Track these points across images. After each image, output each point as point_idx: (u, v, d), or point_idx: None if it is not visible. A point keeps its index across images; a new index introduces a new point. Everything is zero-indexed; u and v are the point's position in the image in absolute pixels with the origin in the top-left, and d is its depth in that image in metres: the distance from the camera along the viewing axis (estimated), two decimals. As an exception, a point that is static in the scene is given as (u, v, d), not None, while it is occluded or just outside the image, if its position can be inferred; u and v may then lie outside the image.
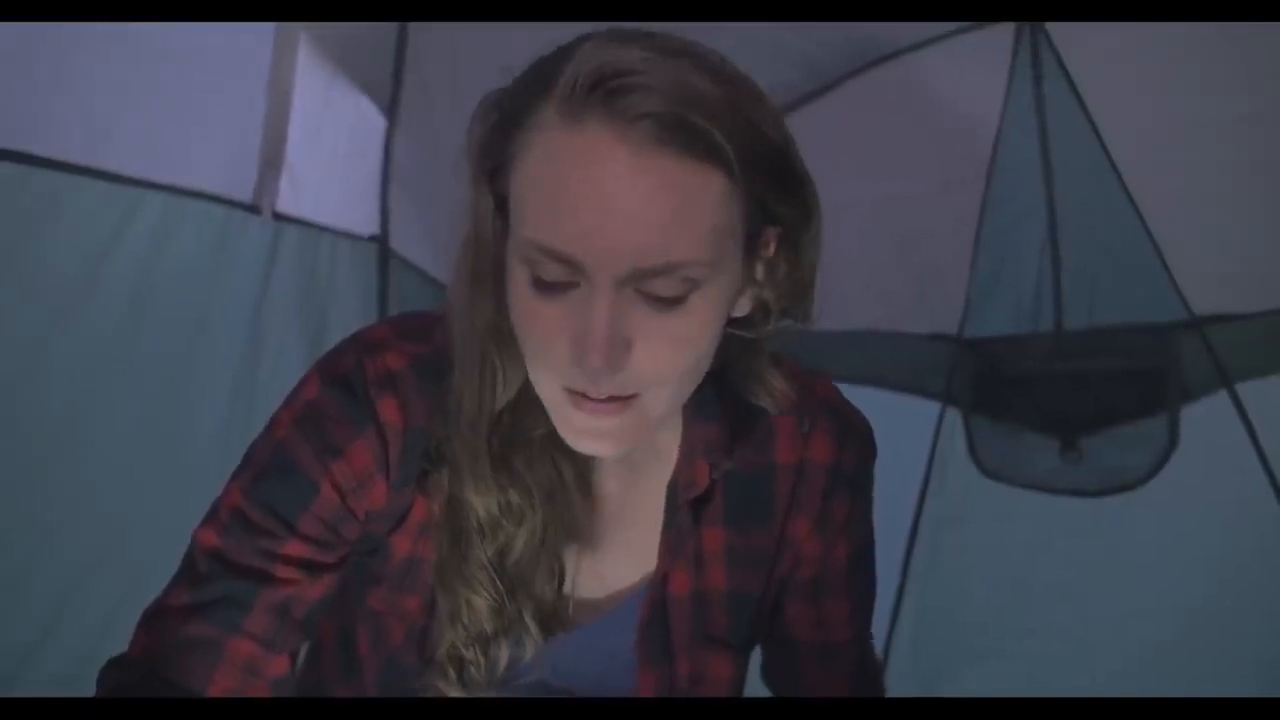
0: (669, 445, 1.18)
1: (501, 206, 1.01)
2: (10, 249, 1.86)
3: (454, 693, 1.14)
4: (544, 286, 0.96)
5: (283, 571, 1.11)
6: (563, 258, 0.94)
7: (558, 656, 1.17)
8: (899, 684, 2.94)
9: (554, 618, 1.15)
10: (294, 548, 1.11)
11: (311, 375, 1.15)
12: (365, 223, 2.32)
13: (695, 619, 1.21)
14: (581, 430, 1.02)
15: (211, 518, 1.14)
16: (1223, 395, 2.76)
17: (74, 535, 1.98)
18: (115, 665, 1.13)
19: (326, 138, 2.21)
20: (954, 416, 2.97)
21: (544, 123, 0.95)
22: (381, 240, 2.33)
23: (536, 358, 1.01)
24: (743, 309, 1.06)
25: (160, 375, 2.04)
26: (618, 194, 0.92)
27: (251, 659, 1.11)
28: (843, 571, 1.28)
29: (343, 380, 1.12)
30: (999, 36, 2.58)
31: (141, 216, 1.98)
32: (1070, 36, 2.54)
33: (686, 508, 1.18)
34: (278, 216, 2.15)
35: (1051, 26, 2.55)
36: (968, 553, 2.93)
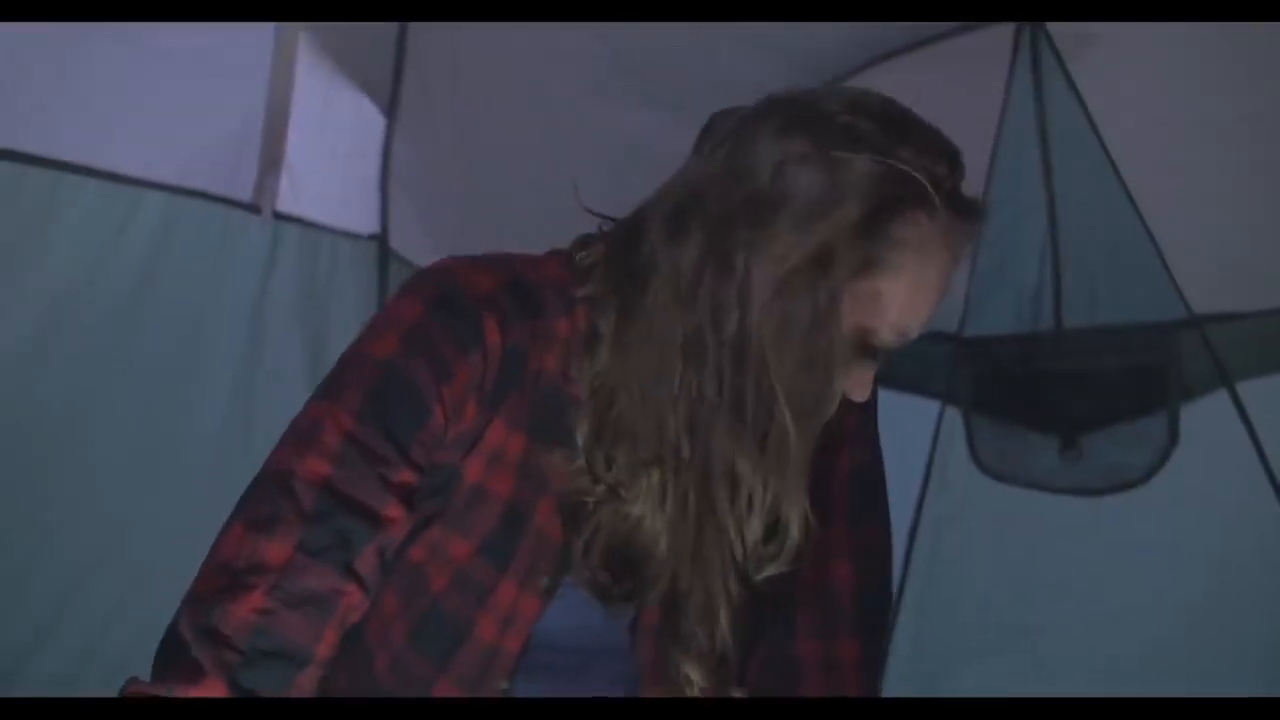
0: None
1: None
2: (10, 248, 1.86)
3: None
4: (864, 354, 1.09)
5: (391, 507, 1.07)
6: (905, 332, 1.09)
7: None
8: (899, 684, 2.94)
9: None
10: (405, 475, 1.08)
11: (408, 296, 1.12)
12: (365, 222, 2.32)
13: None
14: None
15: (312, 444, 1.06)
16: (1222, 394, 2.76)
17: (74, 535, 1.98)
18: (207, 637, 1.01)
19: (326, 137, 2.22)
20: (954, 415, 2.97)
21: (928, 231, 1.06)
22: (381, 239, 2.33)
23: None
24: None
25: (160, 375, 2.04)
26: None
27: (350, 609, 1.07)
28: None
29: (445, 300, 1.10)
30: (999, 36, 2.58)
31: (141, 216, 1.98)
32: (1070, 36, 2.54)
33: None
34: (278, 216, 2.16)
35: (1052, 26, 2.55)
36: (968, 551, 2.93)
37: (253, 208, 2.12)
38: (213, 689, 1.00)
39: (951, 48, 2.52)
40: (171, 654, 1.02)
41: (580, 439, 1.12)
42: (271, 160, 2.13)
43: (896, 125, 1.08)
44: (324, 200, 2.24)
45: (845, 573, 1.27)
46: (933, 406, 2.98)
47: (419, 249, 2.36)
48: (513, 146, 2.41)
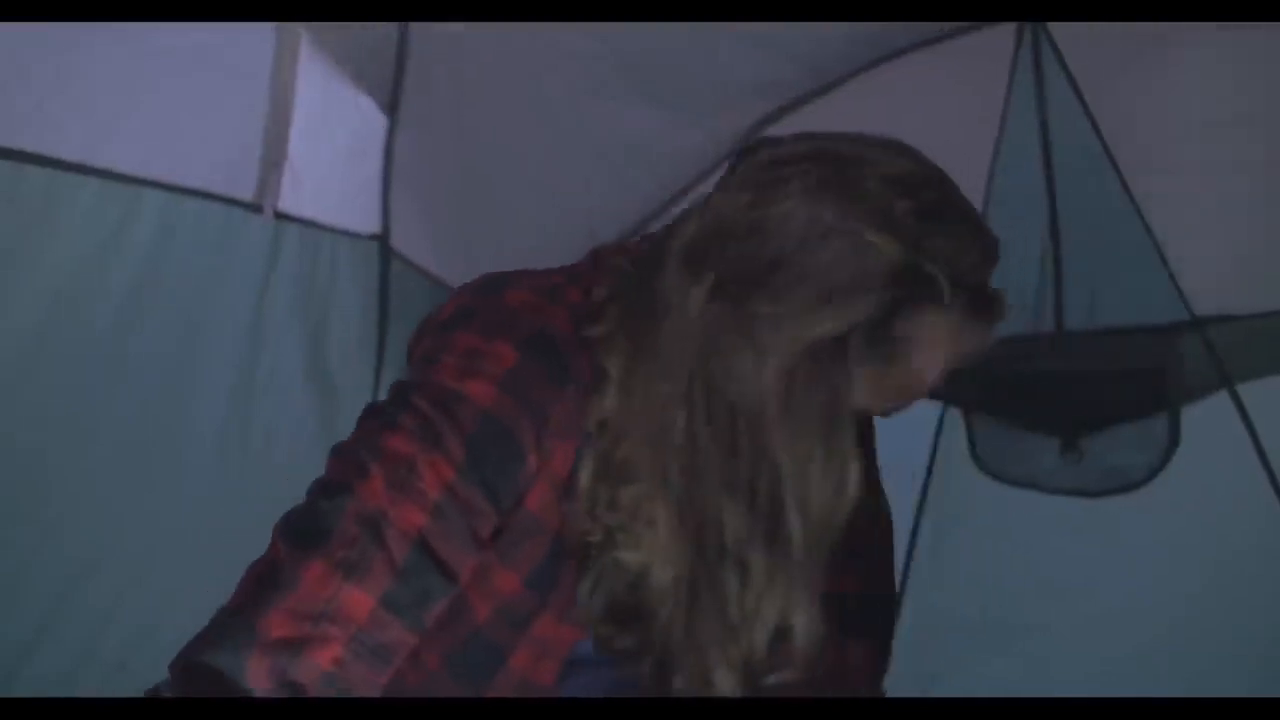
0: None
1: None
2: (9, 248, 1.86)
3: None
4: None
5: (473, 560, 1.06)
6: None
7: None
8: (899, 684, 2.93)
9: None
10: (493, 525, 1.08)
11: (500, 340, 1.09)
12: (366, 222, 2.32)
13: None
14: None
15: (410, 492, 1.03)
16: (1223, 395, 2.76)
17: (73, 534, 1.98)
18: (288, 688, 0.98)
19: (328, 136, 2.21)
20: (955, 416, 2.97)
21: (953, 316, 1.07)
22: (382, 239, 2.33)
23: None
24: None
25: (160, 374, 2.04)
26: None
27: (404, 650, 1.05)
28: None
29: (537, 339, 1.09)
30: (1000, 36, 2.58)
31: (142, 215, 1.97)
32: (1072, 36, 2.54)
33: None
34: (279, 215, 2.15)
35: (1053, 26, 2.55)
36: (968, 552, 2.93)
37: (253, 207, 2.12)
38: None
39: (953, 47, 2.52)
40: (225, 687, 0.97)
41: (583, 478, 1.11)
42: (272, 159, 2.12)
43: (932, 211, 1.05)
44: (325, 199, 2.23)
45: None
46: (933, 407, 2.97)
47: (420, 249, 2.36)
48: (513, 146, 2.41)
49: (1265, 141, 2.42)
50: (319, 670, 0.99)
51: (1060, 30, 2.54)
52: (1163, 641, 2.73)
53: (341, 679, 1.00)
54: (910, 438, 2.94)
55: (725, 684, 1.11)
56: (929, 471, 2.97)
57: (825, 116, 2.54)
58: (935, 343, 1.07)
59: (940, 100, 2.55)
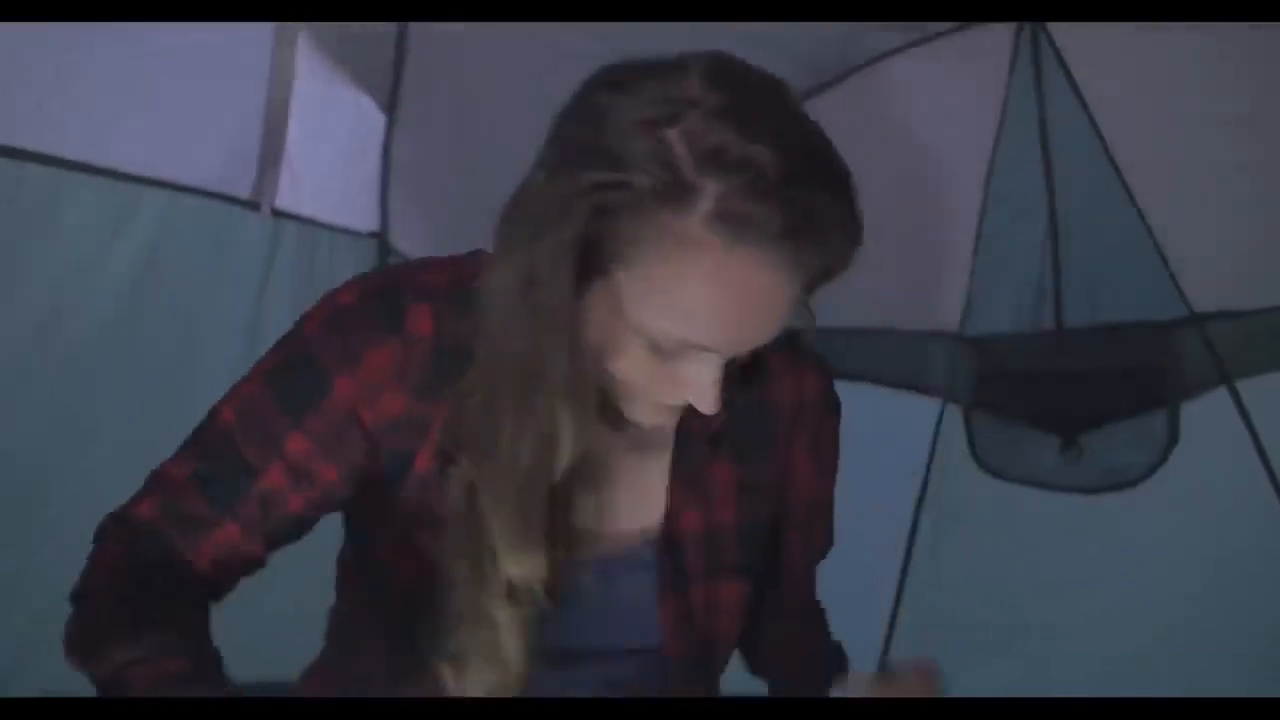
0: None
1: (586, 275, 1.02)
2: (9, 246, 1.86)
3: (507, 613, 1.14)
4: (659, 353, 1.04)
5: (276, 468, 1.15)
6: (697, 346, 1.02)
7: (589, 588, 1.20)
8: (899, 682, 2.93)
9: (584, 550, 1.19)
10: (297, 442, 1.14)
11: (350, 284, 1.18)
12: (365, 219, 2.32)
13: (708, 553, 1.26)
14: (656, 409, 1.11)
15: (232, 396, 1.20)
16: (1223, 392, 2.76)
17: (73, 533, 1.97)
18: (121, 521, 1.21)
19: (326, 134, 2.22)
20: (954, 414, 2.97)
21: (686, 227, 0.97)
22: (381, 237, 2.33)
23: (635, 390, 1.08)
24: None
25: (159, 372, 2.04)
26: (754, 307, 1.01)
27: (233, 541, 1.16)
28: (829, 499, 1.39)
29: (377, 290, 1.16)
30: (999, 35, 2.58)
31: (141, 213, 1.98)
32: (1071, 36, 2.54)
33: (703, 443, 1.23)
34: (277, 213, 2.15)
35: (1053, 25, 2.55)
36: (967, 550, 2.93)
37: (252, 205, 2.12)
38: None
39: (952, 47, 2.51)
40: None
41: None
42: (271, 157, 2.12)
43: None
44: (323, 198, 2.24)
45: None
46: (933, 405, 2.97)
47: (419, 247, 2.36)
48: (513, 145, 2.40)
49: (1265, 141, 2.42)
50: (140, 518, 1.19)
51: (1059, 29, 2.55)
52: (1163, 640, 2.73)
53: (161, 535, 1.17)
54: (910, 436, 2.95)
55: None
56: (928, 469, 2.97)
57: (825, 116, 2.53)
58: (672, 252, 0.99)
59: (940, 99, 2.55)
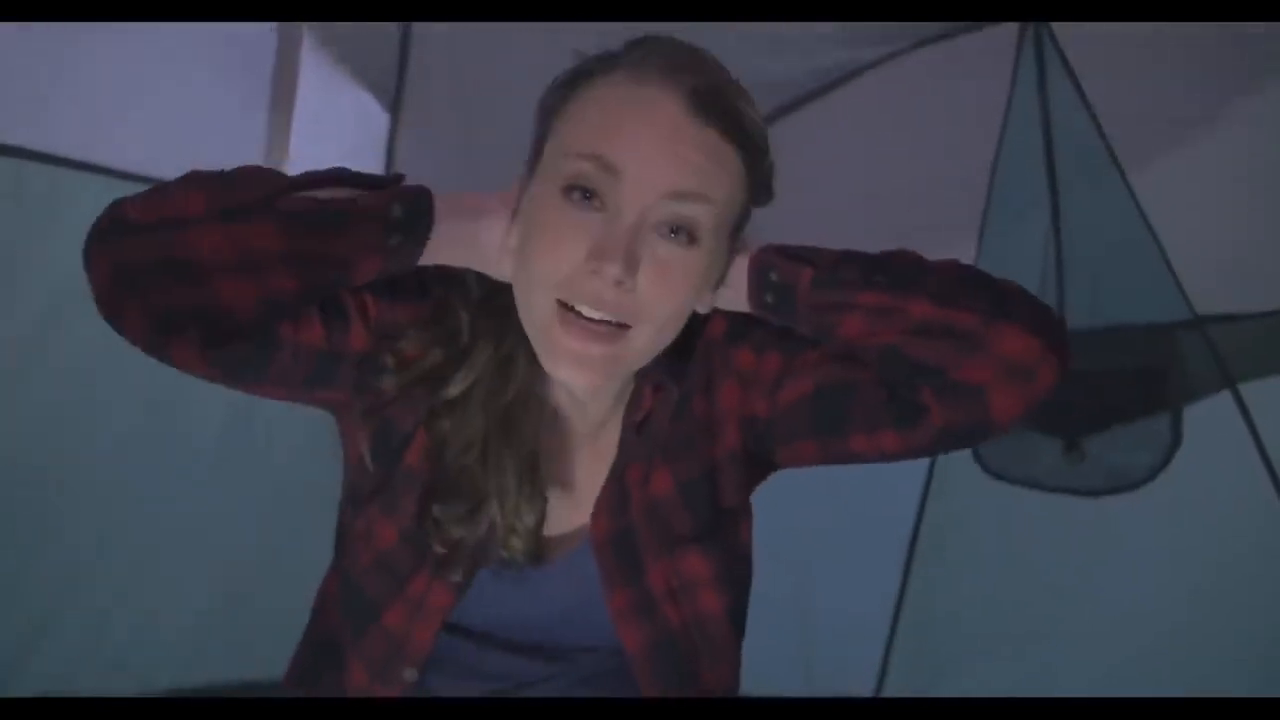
0: (625, 390, 1.25)
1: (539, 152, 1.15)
2: (10, 245, 1.86)
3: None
4: (573, 197, 1.09)
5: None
6: (607, 163, 1.07)
7: (534, 590, 1.23)
8: (901, 684, 2.93)
9: (534, 548, 1.21)
10: (315, 333, 1.22)
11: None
12: (367, 220, 2.32)
13: (656, 527, 1.25)
14: (567, 353, 1.10)
15: None
16: (1226, 395, 2.76)
17: (73, 532, 1.98)
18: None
19: (329, 134, 2.22)
20: (956, 415, 2.96)
21: (610, 80, 1.13)
22: (382, 237, 2.33)
23: (542, 271, 1.10)
24: (706, 305, 1.17)
25: (159, 372, 2.03)
26: (666, 131, 1.09)
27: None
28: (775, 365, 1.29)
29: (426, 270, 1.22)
30: (1003, 35, 2.57)
31: (142, 213, 1.97)
32: (1074, 35, 2.54)
33: (635, 428, 1.24)
34: (279, 213, 2.15)
35: (1056, 26, 2.55)
36: (970, 552, 2.93)
37: (254, 205, 2.12)
38: None
39: (955, 46, 2.51)
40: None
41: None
42: (275, 157, 2.12)
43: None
44: (326, 198, 2.23)
45: None
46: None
47: (420, 247, 2.36)
48: (515, 145, 2.40)
49: (1267, 141, 2.42)
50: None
51: (1063, 29, 2.54)
52: (1164, 642, 2.73)
53: None
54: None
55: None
56: (930, 471, 2.97)
57: (825, 116, 2.54)
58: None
59: (942, 99, 2.55)
